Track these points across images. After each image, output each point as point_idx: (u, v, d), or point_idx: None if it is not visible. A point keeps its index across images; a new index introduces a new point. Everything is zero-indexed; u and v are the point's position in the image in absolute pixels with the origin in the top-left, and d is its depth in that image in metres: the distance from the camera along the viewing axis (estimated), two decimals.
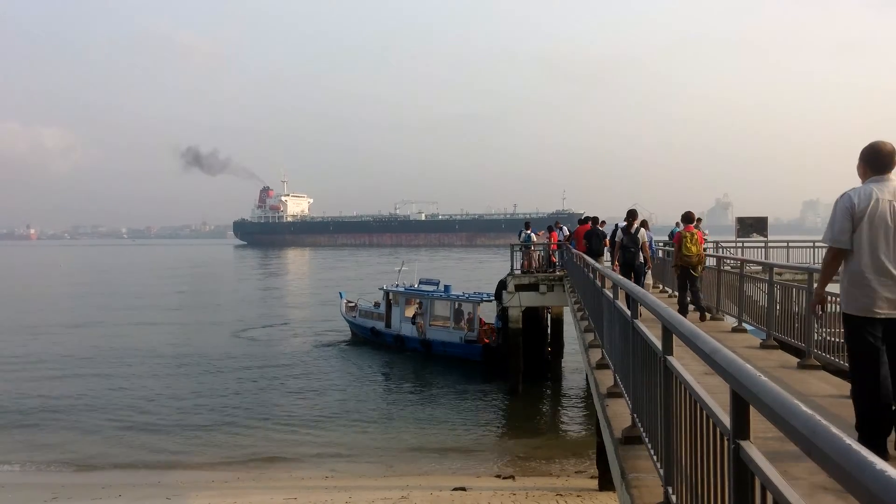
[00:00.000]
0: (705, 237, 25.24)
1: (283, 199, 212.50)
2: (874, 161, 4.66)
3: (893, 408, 4.53)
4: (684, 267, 11.82)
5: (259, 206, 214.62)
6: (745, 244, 29.50)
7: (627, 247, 13.48)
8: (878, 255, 4.59)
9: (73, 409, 21.33)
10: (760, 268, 11.96)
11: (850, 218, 4.66)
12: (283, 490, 14.17)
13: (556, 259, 25.14)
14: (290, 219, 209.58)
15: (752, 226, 32.62)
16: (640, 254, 13.52)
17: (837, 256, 4.80)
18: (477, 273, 64.39)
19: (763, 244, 29.61)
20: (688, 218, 12.31)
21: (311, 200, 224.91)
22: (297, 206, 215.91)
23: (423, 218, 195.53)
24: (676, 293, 12.56)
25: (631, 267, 13.40)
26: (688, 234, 11.79)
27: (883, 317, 4.58)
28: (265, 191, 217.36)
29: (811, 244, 27.90)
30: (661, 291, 17.47)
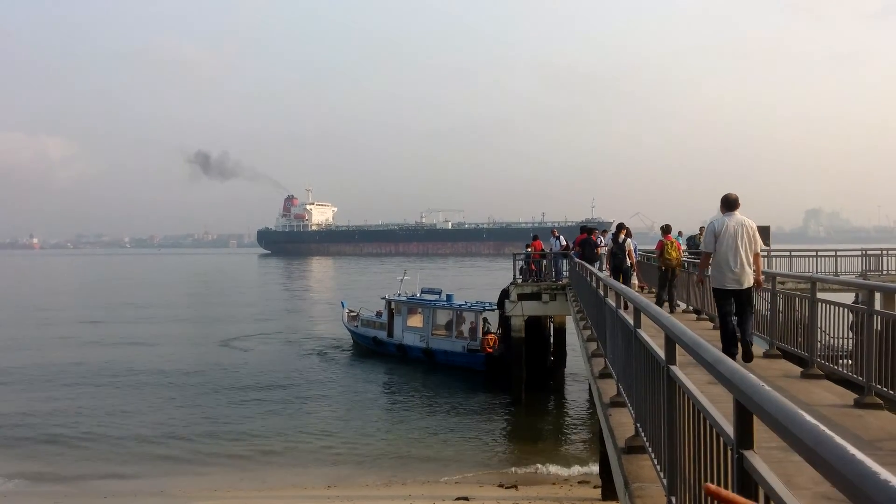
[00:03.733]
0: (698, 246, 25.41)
1: (308, 207, 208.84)
2: (725, 204, 8.40)
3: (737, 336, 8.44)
4: (665, 269, 14.58)
5: (284, 214, 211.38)
6: None
7: (616, 253, 15.68)
8: (726, 256, 8.23)
9: (76, 418, 21.31)
10: (763, 277, 11.98)
11: (713, 235, 8.27)
12: (286, 499, 14.15)
13: (535, 267, 25.24)
14: (314, 227, 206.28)
15: None
16: (627, 259, 15.72)
17: (707, 257, 8.63)
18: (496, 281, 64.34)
19: (766, 253, 29.58)
20: (667, 229, 15.18)
21: (336, 209, 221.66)
22: (321, 215, 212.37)
23: (450, 226, 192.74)
24: (664, 292, 15.10)
25: (620, 270, 15.54)
26: (668, 243, 14.62)
27: (731, 289, 8.31)
28: (289, 199, 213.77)
29: (814, 253, 27.89)
30: (648, 292, 17.78)
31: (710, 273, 8.65)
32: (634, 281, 16.68)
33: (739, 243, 8.12)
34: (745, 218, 8.26)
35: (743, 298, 8.36)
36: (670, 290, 14.66)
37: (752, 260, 8.25)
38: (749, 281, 8.27)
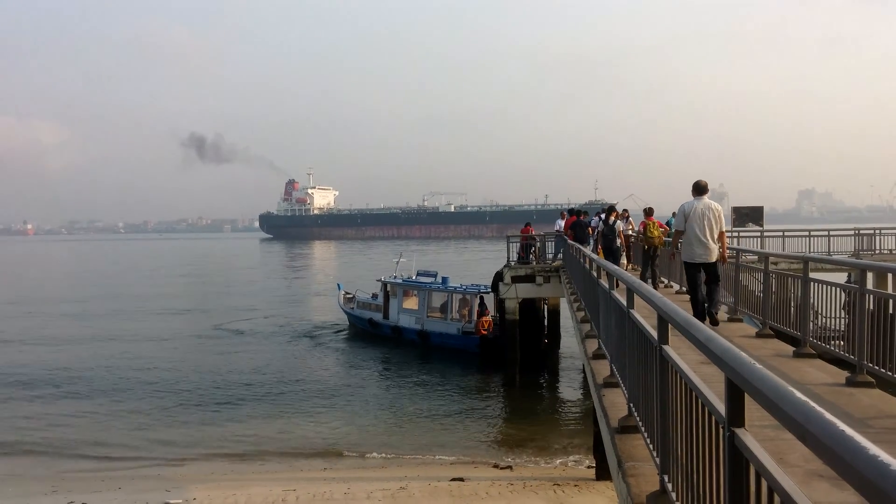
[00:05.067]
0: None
1: (310, 191, 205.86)
2: (696, 189, 9.68)
3: (706, 304, 9.71)
4: (647, 247, 15.79)
5: (285, 198, 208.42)
6: (741, 234, 29.56)
7: (607, 235, 16.68)
8: (695, 233, 9.47)
9: (73, 401, 21.34)
10: (756, 257, 12.04)
11: (684, 216, 9.54)
12: (282, 482, 14.20)
13: (522, 253, 25.32)
14: (316, 211, 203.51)
15: (748, 215, 32.68)
16: (617, 240, 16.76)
17: (678, 234, 9.83)
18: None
19: (759, 233, 29.66)
20: (649, 211, 16.45)
21: (337, 193, 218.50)
22: (323, 199, 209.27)
23: (453, 210, 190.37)
24: (647, 269, 16.16)
25: (610, 251, 16.54)
26: (650, 223, 15.80)
27: (699, 262, 9.55)
28: (291, 183, 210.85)
29: (807, 233, 27.98)
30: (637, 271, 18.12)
31: (680, 249, 9.91)
32: (623, 260, 17.44)
33: (706, 223, 9.42)
34: (712, 202, 9.56)
35: (710, 271, 9.63)
36: (653, 267, 15.77)
37: (717, 238, 9.54)
38: (714, 256, 9.54)
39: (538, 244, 25.75)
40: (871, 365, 6.47)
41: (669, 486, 3.66)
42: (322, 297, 46.29)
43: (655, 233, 15.59)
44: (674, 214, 25.22)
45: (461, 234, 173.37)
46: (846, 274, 16.84)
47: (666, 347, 3.74)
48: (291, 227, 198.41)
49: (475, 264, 64.26)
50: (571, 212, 20.91)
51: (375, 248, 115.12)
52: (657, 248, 15.79)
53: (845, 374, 6.77)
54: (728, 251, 11.55)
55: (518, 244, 25.63)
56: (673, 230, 10.06)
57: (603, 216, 19.30)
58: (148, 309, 43.57)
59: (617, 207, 19.87)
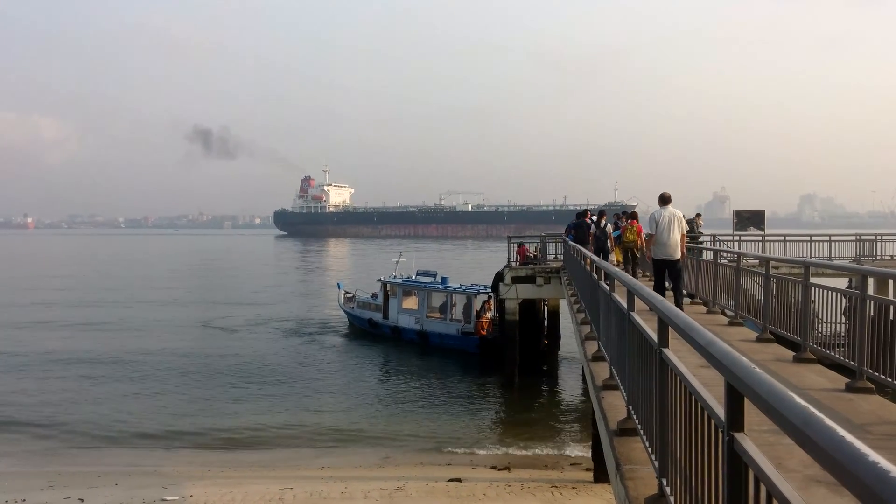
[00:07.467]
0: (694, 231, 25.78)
1: (326, 188, 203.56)
2: (661, 200, 11.64)
3: (675, 296, 11.67)
4: (626, 249, 16.91)
5: (300, 195, 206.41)
6: (743, 238, 29.54)
7: (599, 237, 17.70)
8: (663, 237, 11.38)
9: (70, 397, 21.33)
10: (757, 261, 12.06)
11: (654, 222, 11.44)
12: (279, 480, 14.19)
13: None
14: (332, 209, 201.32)
15: (750, 219, 32.68)
16: (608, 242, 17.59)
17: (651, 237, 11.61)
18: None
19: (760, 238, 29.65)
20: (632, 214, 17.74)
21: (353, 190, 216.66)
22: (338, 197, 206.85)
23: (470, 209, 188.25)
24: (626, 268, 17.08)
25: (602, 251, 17.24)
26: (630, 227, 16.81)
27: (665, 260, 11.50)
28: (306, 180, 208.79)
29: (808, 238, 27.95)
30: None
31: (652, 249, 11.64)
32: (612, 258, 17.87)
33: (671, 229, 11.39)
34: (676, 210, 11.63)
35: (675, 267, 11.64)
36: (633, 267, 16.73)
37: (679, 240, 11.41)
38: (678, 255, 11.49)
39: (539, 245, 25.77)
40: (871, 371, 6.46)
41: (668, 489, 3.65)
42: (324, 297, 46.27)
43: (631, 237, 16.55)
44: None
45: (478, 234, 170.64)
46: (847, 279, 16.84)
47: (666, 351, 3.74)
48: (306, 224, 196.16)
49: (490, 264, 64.21)
50: (578, 215, 21.02)
51: (392, 248, 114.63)
52: (634, 251, 16.74)
53: (845, 379, 6.75)
54: (729, 255, 11.56)
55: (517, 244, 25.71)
56: (645, 234, 11.89)
57: (594, 218, 19.86)
58: (152, 307, 43.54)
59: (628, 211, 20.06)
